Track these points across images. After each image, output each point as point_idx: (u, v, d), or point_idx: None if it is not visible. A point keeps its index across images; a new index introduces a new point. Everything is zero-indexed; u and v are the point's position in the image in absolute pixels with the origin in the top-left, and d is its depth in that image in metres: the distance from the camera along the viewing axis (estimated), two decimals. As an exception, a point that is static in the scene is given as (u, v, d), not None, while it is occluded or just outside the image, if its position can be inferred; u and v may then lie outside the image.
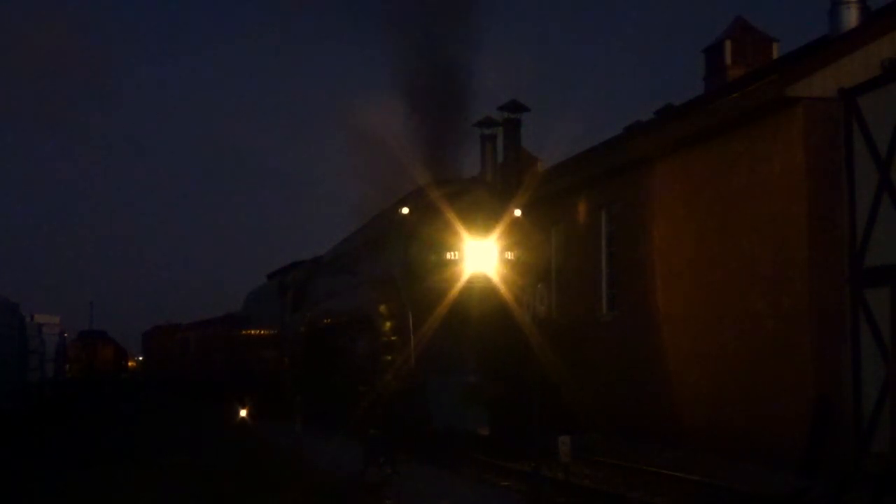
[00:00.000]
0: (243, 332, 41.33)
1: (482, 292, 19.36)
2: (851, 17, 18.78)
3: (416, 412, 19.04)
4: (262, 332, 37.60)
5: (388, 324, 20.85)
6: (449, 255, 19.56)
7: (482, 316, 19.33)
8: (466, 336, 19.33)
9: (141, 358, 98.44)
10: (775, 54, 26.02)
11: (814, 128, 16.97)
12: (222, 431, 26.95)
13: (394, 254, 20.78)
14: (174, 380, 61.77)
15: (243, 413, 29.48)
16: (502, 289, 19.41)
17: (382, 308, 21.12)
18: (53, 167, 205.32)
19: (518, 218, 20.07)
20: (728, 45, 26.41)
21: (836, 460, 16.01)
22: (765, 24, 34.08)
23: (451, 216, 19.53)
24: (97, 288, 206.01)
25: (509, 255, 19.79)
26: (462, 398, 18.70)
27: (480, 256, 19.51)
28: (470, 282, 19.42)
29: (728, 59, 26.44)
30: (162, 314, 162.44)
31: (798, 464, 16.40)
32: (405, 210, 20.42)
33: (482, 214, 19.73)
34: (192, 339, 57.79)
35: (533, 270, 20.22)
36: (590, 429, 21.49)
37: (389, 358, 20.20)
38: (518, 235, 19.97)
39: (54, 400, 50.51)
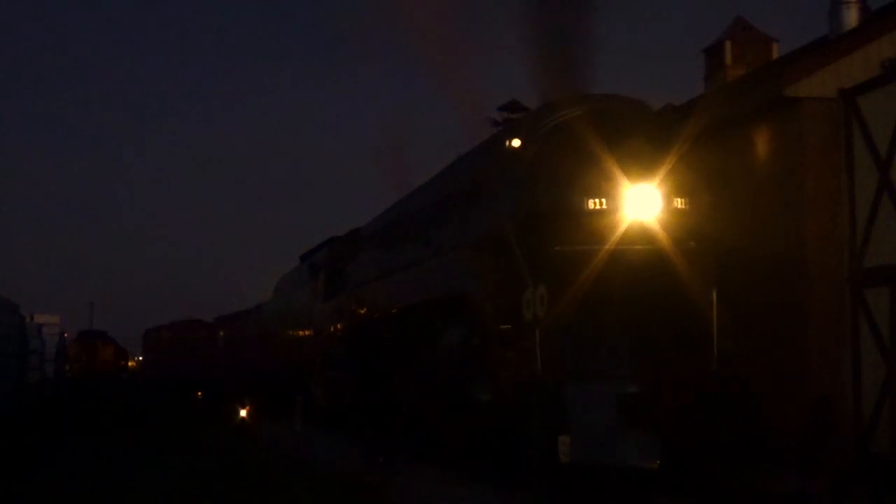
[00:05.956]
0: (269, 325, 36.06)
1: (642, 257, 13.62)
2: (851, 17, 18.76)
3: (546, 435, 12.94)
4: (294, 324, 31.35)
5: (496, 305, 14.67)
6: (591, 203, 13.69)
7: (642, 292, 13.49)
8: (620, 322, 13.43)
9: (140, 357, 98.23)
10: (775, 54, 26.05)
11: (814, 128, 16.97)
12: (225, 432, 26.98)
13: (503, 204, 14.72)
14: (190, 381, 57.78)
15: (243, 413, 29.59)
16: (672, 252, 13.58)
17: (485, 283, 15.07)
18: (53, 167, 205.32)
19: (688, 152, 14.21)
20: (728, 45, 26.46)
21: (836, 460, 16.02)
22: (765, 24, 34.11)
23: (593, 146, 13.63)
24: (97, 288, 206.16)
25: (680, 204, 13.94)
26: (616, 415, 12.86)
27: (639, 204, 13.69)
28: (624, 241, 13.59)
29: (728, 59, 26.48)
30: (162, 314, 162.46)
31: (798, 464, 16.40)
32: (517, 142, 14.65)
33: (639, 144, 13.94)
34: (219, 335, 53.98)
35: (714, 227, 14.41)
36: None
37: (498, 356, 14.27)
38: (692, 176, 14.13)
39: (54, 400, 50.53)
